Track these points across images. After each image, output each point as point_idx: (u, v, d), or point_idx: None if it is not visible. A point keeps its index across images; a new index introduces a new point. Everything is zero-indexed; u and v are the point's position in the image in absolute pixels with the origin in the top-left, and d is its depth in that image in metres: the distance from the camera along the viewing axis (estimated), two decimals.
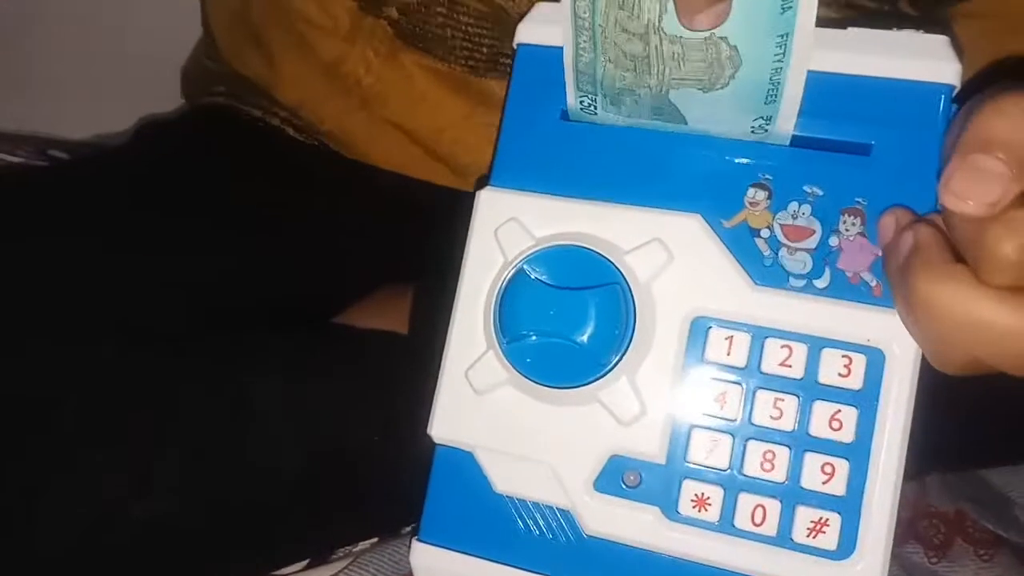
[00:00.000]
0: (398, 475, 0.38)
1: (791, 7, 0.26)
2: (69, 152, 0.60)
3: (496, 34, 0.43)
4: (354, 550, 0.42)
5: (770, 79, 0.27)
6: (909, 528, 0.48)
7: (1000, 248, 0.23)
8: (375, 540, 0.42)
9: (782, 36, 0.26)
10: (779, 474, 0.28)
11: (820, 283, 0.29)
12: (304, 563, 0.41)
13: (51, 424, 0.36)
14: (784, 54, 0.27)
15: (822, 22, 0.28)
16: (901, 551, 0.47)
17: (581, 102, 0.31)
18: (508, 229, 0.31)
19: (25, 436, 0.35)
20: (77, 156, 0.59)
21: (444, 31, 0.43)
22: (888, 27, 0.30)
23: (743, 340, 0.29)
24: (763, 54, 0.27)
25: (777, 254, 0.29)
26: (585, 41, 0.29)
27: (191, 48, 0.60)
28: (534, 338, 0.30)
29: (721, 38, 0.27)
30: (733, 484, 0.29)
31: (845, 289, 0.29)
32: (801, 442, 0.28)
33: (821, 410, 0.28)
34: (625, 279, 0.30)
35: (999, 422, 0.46)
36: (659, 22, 0.27)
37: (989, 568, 0.45)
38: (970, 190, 0.23)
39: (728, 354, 0.29)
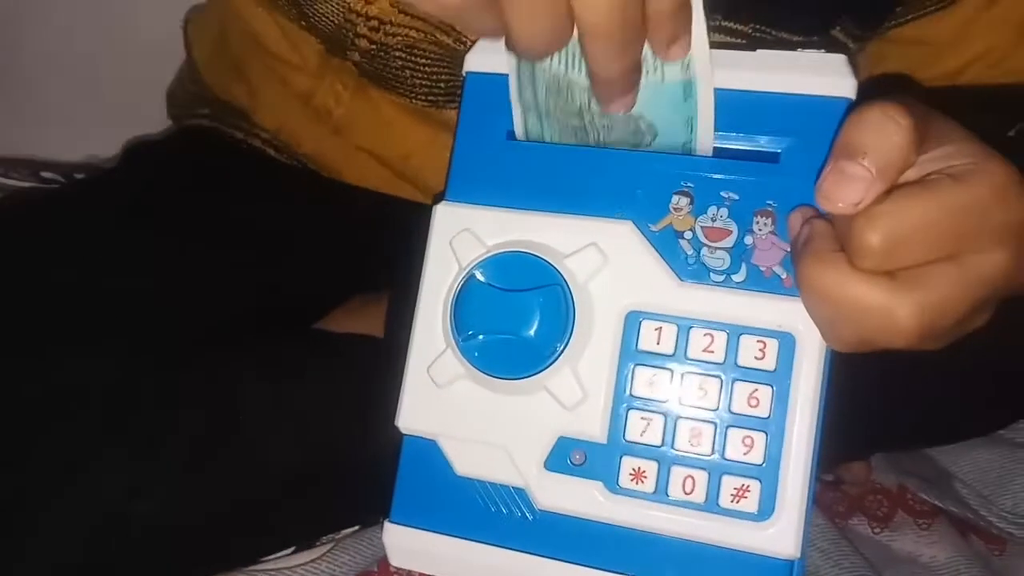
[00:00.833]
0: (377, 467, 0.41)
1: (691, 96, 0.31)
2: (62, 174, 0.63)
3: (451, 71, 0.46)
4: (336, 537, 0.45)
5: (682, 146, 0.33)
6: (855, 503, 0.51)
7: (865, 238, 0.27)
8: (356, 528, 0.45)
9: (688, 118, 0.32)
10: (706, 447, 0.32)
11: (737, 277, 0.33)
12: (291, 549, 0.44)
13: (57, 429, 0.39)
14: (692, 130, 0.32)
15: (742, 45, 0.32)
16: (847, 524, 0.50)
17: None
18: (462, 239, 0.35)
19: (33, 438, 0.38)
20: (70, 178, 0.63)
21: (404, 72, 0.47)
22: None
23: (671, 330, 0.33)
24: (674, 129, 0.33)
25: (699, 253, 0.33)
26: (533, 119, 0.34)
27: (176, 71, 0.64)
28: (486, 336, 0.33)
29: (639, 116, 0.32)
30: (666, 458, 0.32)
31: (759, 282, 0.32)
32: (724, 418, 0.32)
33: (740, 389, 0.32)
34: (565, 280, 0.33)
35: (933, 409, 0.50)
36: (588, 105, 0.32)
37: (928, 536, 0.49)
38: (837, 192, 0.27)
39: (658, 343, 0.33)
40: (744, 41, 0.42)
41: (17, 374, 0.40)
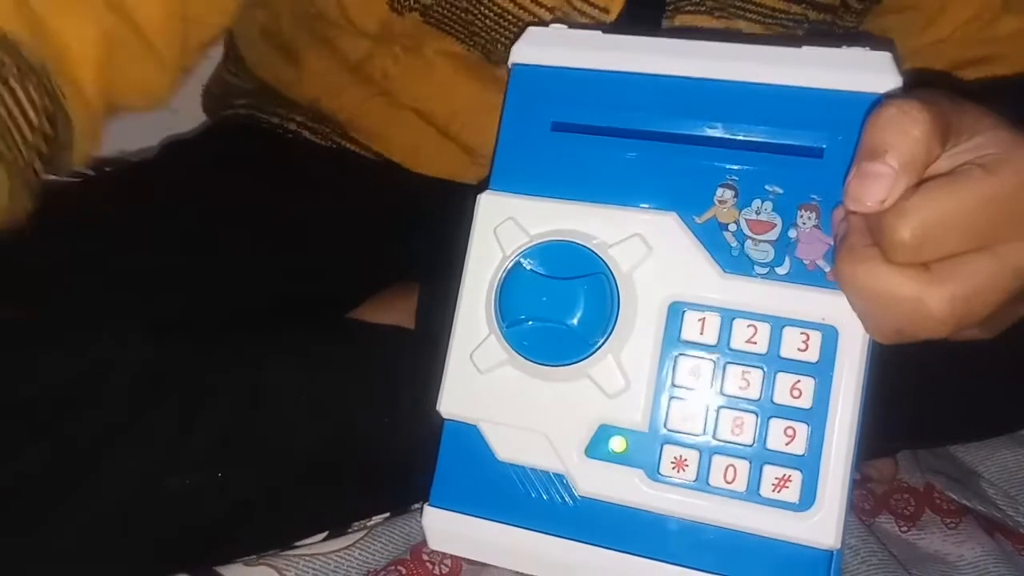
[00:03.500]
0: (405, 456, 0.41)
1: None
2: (92, 167, 0.64)
3: (512, 32, 0.47)
4: (368, 523, 0.45)
5: None
6: (882, 501, 0.51)
7: (896, 233, 0.27)
8: (387, 515, 0.46)
9: None
10: (747, 437, 0.32)
11: (781, 270, 0.33)
12: (323, 535, 0.45)
13: (90, 405, 0.39)
14: None
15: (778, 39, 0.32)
16: (874, 522, 0.50)
17: None
18: (506, 227, 0.35)
19: (69, 413, 0.39)
20: (101, 171, 0.64)
21: (468, 16, 0.47)
22: (834, 36, 0.34)
23: (714, 321, 0.33)
24: None
25: (743, 245, 0.33)
26: None
27: (207, 68, 0.64)
28: (530, 323, 0.34)
29: None
30: (707, 447, 0.33)
31: (803, 275, 0.33)
32: (766, 409, 0.32)
33: (783, 381, 0.32)
34: (610, 269, 0.33)
35: (964, 404, 0.50)
36: None
37: (955, 535, 0.49)
38: (862, 192, 0.28)
39: (701, 334, 0.33)
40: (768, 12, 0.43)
41: (48, 353, 0.40)
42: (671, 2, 0.45)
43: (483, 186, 0.37)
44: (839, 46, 0.34)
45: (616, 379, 0.33)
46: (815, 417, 0.32)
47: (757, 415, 0.32)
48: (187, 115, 0.66)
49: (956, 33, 0.48)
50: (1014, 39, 0.48)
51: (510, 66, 0.37)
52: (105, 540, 0.40)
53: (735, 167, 0.34)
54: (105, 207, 0.49)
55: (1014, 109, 0.31)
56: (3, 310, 0.40)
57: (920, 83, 0.32)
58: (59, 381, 0.40)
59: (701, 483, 0.33)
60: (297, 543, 0.44)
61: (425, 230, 0.52)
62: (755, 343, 0.33)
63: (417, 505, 0.46)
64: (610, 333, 0.33)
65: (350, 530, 0.45)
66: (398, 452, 0.44)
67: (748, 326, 0.33)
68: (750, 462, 0.32)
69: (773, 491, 0.32)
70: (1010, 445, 0.53)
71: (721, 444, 0.33)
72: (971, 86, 0.47)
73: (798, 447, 0.32)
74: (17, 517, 0.38)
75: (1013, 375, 0.46)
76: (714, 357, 0.33)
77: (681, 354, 0.33)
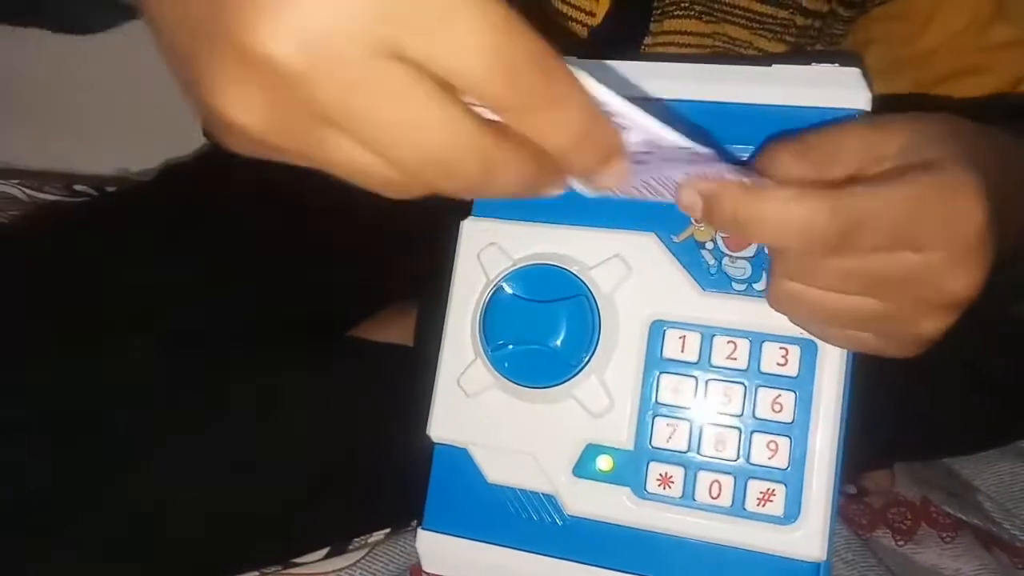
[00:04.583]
0: (406, 470, 0.42)
1: None
2: (94, 187, 0.65)
3: None
4: (369, 540, 0.46)
5: None
6: (879, 516, 0.51)
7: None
8: (387, 531, 0.46)
9: None
10: (731, 453, 0.33)
11: (758, 286, 0.33)
12: (324, 552, 0.45)
13: (108, 417, 0.40)
14: None
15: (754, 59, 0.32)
16: (872, 537, 0.50)
17: None
18: (489, 252, 0.36)
19: (88, 425, 0.40)
20: (102, 191, 0.65)
21: None
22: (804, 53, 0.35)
23: (695, 338, 0.34)
24: None
25: (721, 263, 0.34)
26: None
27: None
28: (515, 346, 0.34)
29: None
30: (692, 464, 0.33)
31: None
32: (748, 424, 0.33)
33: (764, 395, 0.33)
34: (590, 291, 0.34)
35: (953, 417, 0.50)
36: None
37: (951, 549, 0.49)
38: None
39: (682, 351, 0.34)
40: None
41: (70, 367, 0.41)
42: (658, 6, 0.46)
43: (466, 212, 0.38)
44: (809, 63, 0.35)
45: (600, 399, 0.34)
46: (797, 430, 0.32)
47: (740, 430, 0.33)
48: (187, 134, 0.67)
49: (947, 43, 0.49)
50: (1004, 49, 0.49)
51: None
52: (112, 552, 0.41)
53: None
54: (112, 225, 0.50)
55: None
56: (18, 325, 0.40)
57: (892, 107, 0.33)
58: (73, 393, 0.40)
59: (687, 499, 0.33)
60: (298, 560, 0.45)
61: (423, 248, 0.53)
62: (735, 359, 0.33)
63: (416, 522, 0.47)
64: (593, 354, 0.34)
65: (351, 548, 0.45)
66: (401, 466, 0.44)
67: (728, 342, 0.33)
68: (734, 477, 0.33)
69: (758, 505, 0.32)
70: (1007, 458, 0.53)
71: (706, 460, 0.33)
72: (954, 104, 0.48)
73: (781, 461, 0.32)
74: (28, 525, 0.39)
75: (1001, 388, 0.46)
76: (696, 374, 0.33)
77: (663, 372, 0.34)
